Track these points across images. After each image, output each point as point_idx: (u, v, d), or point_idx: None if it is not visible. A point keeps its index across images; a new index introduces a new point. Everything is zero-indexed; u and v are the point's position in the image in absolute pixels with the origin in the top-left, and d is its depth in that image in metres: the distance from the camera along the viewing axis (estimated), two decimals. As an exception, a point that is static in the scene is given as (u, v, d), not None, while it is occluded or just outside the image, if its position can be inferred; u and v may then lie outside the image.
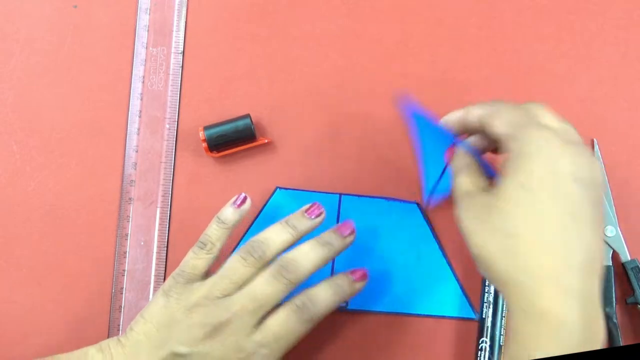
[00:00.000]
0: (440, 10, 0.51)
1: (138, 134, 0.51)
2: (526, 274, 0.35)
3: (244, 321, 0.41)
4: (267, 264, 0.43)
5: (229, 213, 0.45)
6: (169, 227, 0.50)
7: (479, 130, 0.41)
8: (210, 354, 0.41)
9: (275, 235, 0.43)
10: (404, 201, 0.50)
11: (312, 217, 0.44)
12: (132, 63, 0.51)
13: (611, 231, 0.49)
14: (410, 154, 0.50)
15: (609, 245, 0.49)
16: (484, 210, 0.37)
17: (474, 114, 0.41)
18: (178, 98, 0.51)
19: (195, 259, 0.43)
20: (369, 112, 0.51)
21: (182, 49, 0.52)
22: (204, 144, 0.49)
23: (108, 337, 0.48)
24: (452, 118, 0.43)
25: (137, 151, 0.50)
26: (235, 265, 0.42)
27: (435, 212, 0.50)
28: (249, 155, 0.50)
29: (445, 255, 0.49)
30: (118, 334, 0.49)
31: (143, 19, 0.52)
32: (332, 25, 0.51)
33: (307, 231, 0.44)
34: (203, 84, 0.51)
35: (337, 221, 0.49)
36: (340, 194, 0.50)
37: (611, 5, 0.51)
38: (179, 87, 0.51)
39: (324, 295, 0.43)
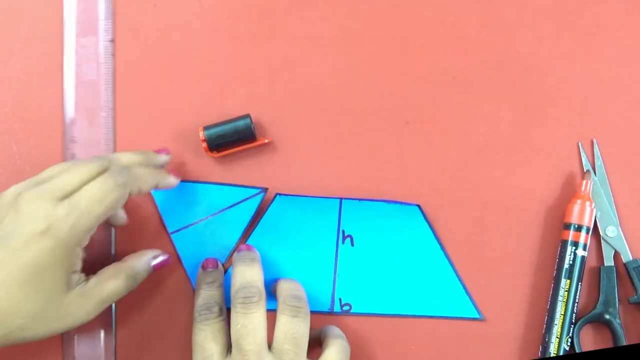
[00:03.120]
0: (440, 10, 0.51)
1: (75, 125, 0.50)
2: None
3: None
4: None
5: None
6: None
7: None
8: None
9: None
10: (405, 203, 0.49)
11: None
12: (63, 54, 0.51)
13: (612, 231, 0.49)
14: (410, 158, 0.50)
15: (610, 245, 0.49)
16: None
17: None
18: (112, 86, 0.50)
19: None
20: (369, 112, 0.51)
21: (112, 37, 0.51)
22: (204, 144, 0.48)
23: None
24: None
25: (75, 142, 0.50)
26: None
27: (437, 214, 0.50)
28: (249, 155, 0.50)
29: (447, 256, 0.49)
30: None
31: (69, 9, 0.51)
32: (332, 25, 0.51)
33: None
34: (203, 84, 0.51)
35: (339, 226, 0.49)
36: (341, 198, 0.50)
37: (611, 5, 0.51)
38: (112, 75, 0.51)
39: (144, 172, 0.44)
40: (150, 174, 0.44)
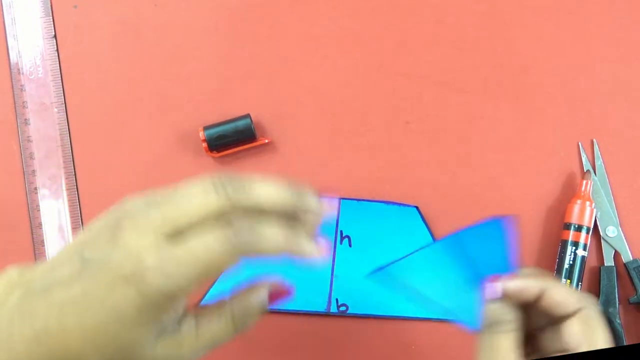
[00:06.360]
0: (440, 10, 0.52)
1: (29, 124, 0.50)
2: None
3: None
4: None
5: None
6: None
7: (529, 300, 0.36)
8: None
9: None
10: (403, 205, 0.49)
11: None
12: (8, 55, 0.51)
13: (613, 231, 0.49)
14: (410, 157, 0.50)
15: (610, 245, 0.49)
16: None
17: (533, 284, 0.36)
18: (60, 82, 0.51)
19: None
20: (369, 112, 0.51)
21: (53, 34, 0.51)
22: (204, 144, 0.48)
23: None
24: (511, 286, 0.37)
25: (31, 141, 0.50)
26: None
27: (435, 215, 0.50)
28: (249, 155, 0.50)
29: (446, 255, 0.49)
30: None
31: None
32: (332, 25, 0.51)
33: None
34: (203, 84, 0.51)
35: (337, 225, 0.49)
36: (340, 199, 0.50)
37: (611, 5, 0.51)
38: (59, 71, 0.51)
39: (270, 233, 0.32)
40: (283, 237, 0.32)
